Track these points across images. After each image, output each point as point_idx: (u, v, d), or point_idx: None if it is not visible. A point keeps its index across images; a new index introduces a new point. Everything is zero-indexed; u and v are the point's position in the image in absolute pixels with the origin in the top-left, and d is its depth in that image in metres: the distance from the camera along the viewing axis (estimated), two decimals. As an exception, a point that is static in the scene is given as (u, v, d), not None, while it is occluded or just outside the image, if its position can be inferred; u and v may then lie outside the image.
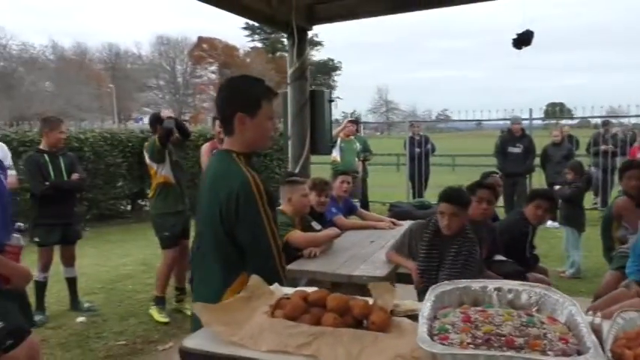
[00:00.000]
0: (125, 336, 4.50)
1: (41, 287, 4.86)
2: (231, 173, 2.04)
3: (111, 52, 50.12)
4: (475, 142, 18.72)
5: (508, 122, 9.76)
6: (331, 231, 4.21)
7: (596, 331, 1.38)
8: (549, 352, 1.26)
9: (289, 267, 3.61)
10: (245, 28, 53.27)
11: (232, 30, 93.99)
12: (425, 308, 1.47)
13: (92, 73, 46.91)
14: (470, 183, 4.22)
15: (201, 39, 51.52)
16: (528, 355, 1.23)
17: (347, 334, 1.45)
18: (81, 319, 4.84)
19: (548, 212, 4.39)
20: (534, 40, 5.21)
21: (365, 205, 9.32)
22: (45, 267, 4.88)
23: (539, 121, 12.34)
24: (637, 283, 3.11)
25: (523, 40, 5.46)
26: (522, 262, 4.15)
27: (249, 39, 55.95)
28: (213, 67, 53.21)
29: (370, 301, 1.63)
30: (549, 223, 8.41)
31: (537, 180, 9.82)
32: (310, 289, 1.70)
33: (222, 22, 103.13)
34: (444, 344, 1.30)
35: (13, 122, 10.39)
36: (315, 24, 6.05)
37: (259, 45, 56.10)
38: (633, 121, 11.57)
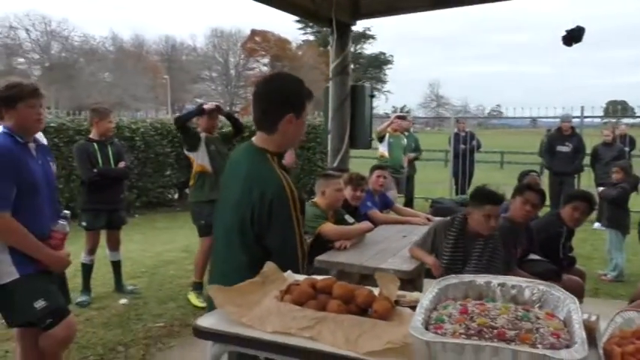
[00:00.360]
0: (164, 318, 4.67)
1: (88, 269, 5.09)
2: (267, 175, 2.05)
3: (167, 44, 51.45)
4: (529, 140, 18.24)
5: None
6: (364, 225, 4.27)
7: (591, 328, 1.40)
8: (539, 346, 1.28)
9: (320, 258, 3.71)
10: (298, 21, 53.41)
11: (285, 23, 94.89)
12: (425, 299, 1.51)
13: (149, 65, 48.19)
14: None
15: (254, 32, 52.07)
16: (515, 347, 1.25)
17: (348, 320, 1.51)
18: (123, 300, 5.05)
19: (586, 214, 4.31)
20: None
21: (410, 202, 9.25)
22: (91, 250, 5.10)
23: (598, 120, 11.90)
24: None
25: (573, 36, 5.36)
26: (556, 263, 4.11)
27: (302, 32, 56.14)
28: (266, 60, 53.76)
29: (376, 290, 1.69)
30: (596, 224, 8.21)
31: (586, 180, 9.51)
32: (320, 277, 1.78)
33: (275, 15, 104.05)
34: (437, 333, 1.34)
35: (70, 111, 10.78)
36: (358, 19, 6.11)
37: (311, 38, 56.20)
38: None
